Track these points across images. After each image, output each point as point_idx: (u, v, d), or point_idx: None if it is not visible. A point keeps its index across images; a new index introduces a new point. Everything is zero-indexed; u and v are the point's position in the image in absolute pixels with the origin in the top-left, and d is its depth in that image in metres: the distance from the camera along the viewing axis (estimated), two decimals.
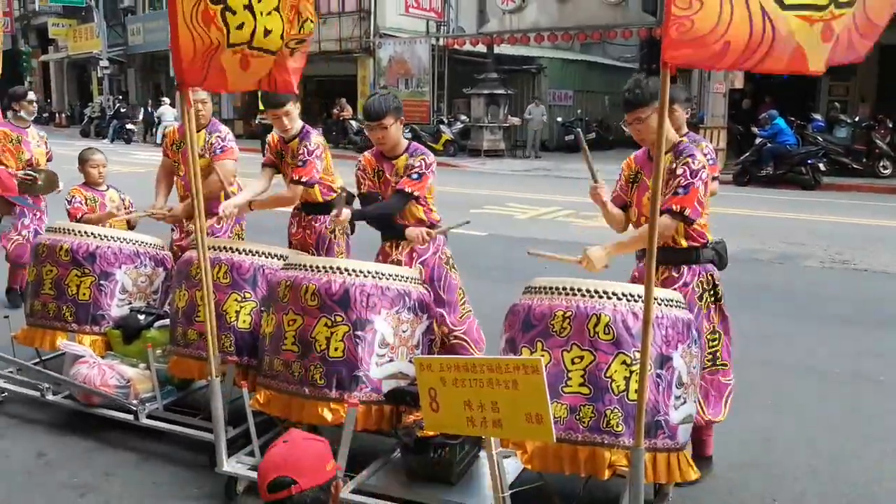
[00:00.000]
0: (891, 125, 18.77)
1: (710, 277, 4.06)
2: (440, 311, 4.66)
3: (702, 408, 4.02)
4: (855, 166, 18.52)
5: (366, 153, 4.84)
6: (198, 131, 5.48)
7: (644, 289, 3.00)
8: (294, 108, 5.23)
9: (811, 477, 4.34)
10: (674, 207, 3.79)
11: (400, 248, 4.73)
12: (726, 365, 4.16)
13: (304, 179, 5.11)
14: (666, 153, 3.85)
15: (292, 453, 2.67)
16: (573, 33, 24.55)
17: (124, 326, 5.14)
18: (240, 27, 3.85)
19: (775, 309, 7.69)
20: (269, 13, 3.88)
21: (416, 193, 4.59)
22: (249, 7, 3.85)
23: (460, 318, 4.81)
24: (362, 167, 4.78)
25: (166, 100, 29.88)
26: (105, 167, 6.32)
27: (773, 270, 9.53)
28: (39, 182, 7.27)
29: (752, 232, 11.62)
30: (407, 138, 4.89)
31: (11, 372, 5.36)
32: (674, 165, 3.88)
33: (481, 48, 25.87)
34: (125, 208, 6.27)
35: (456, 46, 26.85)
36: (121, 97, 35.85)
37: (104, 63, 35.61)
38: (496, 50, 25.60)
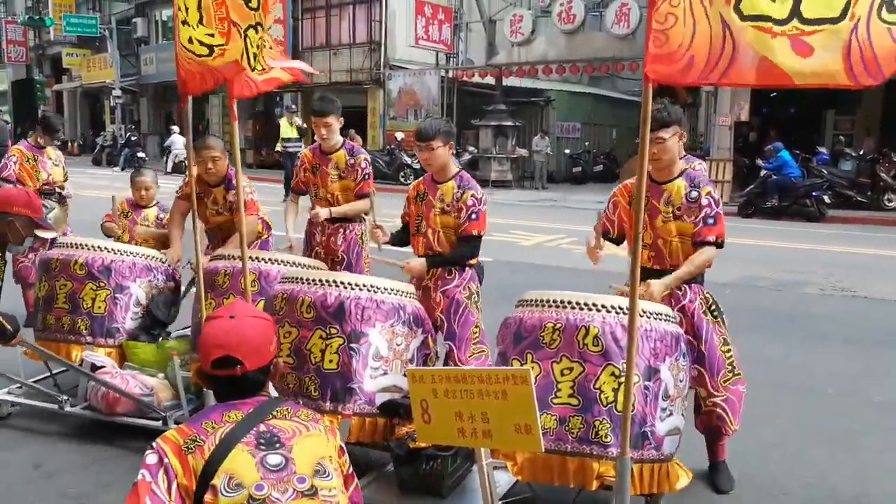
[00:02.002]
0: (895, 158, 18.84)
1: (707, 294, 4.24)
2: (448, 343, 4.71)
3: (730, 420, 4.16)
4: (860, 199, 18.57)
5: (419, 180, 4.95)
6: (214, 186, 5.62)
7: (629, 302, 3.08)
8: (336, 122, 5.66)
9: (804, 492, 4.39)
10: (711, 238, 4.03)
11: (431, 274, 4.76)
12: (740, 374, 4.28)
13: (373, 191, 5.62)
14: (676, 178, 4.14)
15: (238, 331, 2.58)
16: (581, 66, 24.77)
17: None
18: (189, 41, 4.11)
19: (773, 333, 7.74)
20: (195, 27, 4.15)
21: (483, 234, 4.69)
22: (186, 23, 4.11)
23: (469, 356, 4.73)
24: (411, 195, 4.88)
25: (176, 128, 30.14)
26: (151, 189, 6.34)
27: (772, 297, 9.57)
28: (49, 217, 7.29)
29: (755, 261, 11.68)
30: (416, 168, 5.10)
31: (20, 387, 5.41)
32: (694, 193, 4.08)
33: (490, 80, 26.11)
34: (160, 227, 6.25)
35: (465, 78, 27.09)
36: (132, 126, 36.17)
37: (117, 92, 36.02)
38: (505, 82, 25.83)
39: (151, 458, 2.36)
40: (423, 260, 4.66)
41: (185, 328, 5.63)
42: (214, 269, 5.00)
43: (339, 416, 3.92)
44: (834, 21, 2.70)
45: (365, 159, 5.79)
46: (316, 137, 5.75)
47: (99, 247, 5.40)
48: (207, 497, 2.31)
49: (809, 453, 4.92)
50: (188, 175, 5.17)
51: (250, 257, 4.78)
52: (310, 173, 5.84)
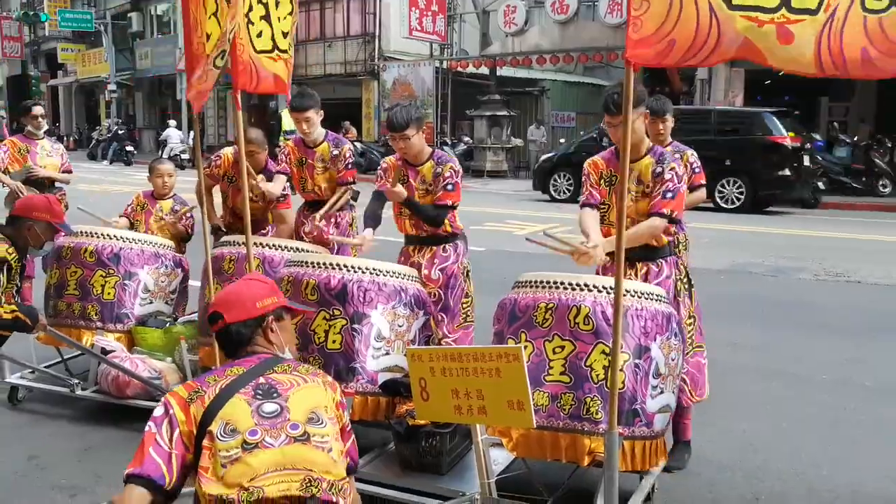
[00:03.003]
0: (889, 145, 18.95)
1: (682, 267, 4.36)
2: (442, 314, 4.84)
3: (690, 391, 4.27)
4: (854, 185, 18.68)
5: (390, 158, 4.99)
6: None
7: (614, 280, 3.18)
8: (315, 115, 5.65)
9: (795, 478, 4.41)
10: (665, 211, 4.03)
11: (422, 251, 4.90)
12: (702, 346, 4.41)
13: (351, 181, 5.78)
14: (643, 157, 4.16)
15: (232, 290, 2.83)
16: (574, 55, 24.82)
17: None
18: (259, 35, 4.40)
19: (766, 319, 7.81)
20: (285, 18, 4.45)
21: (457, 204, 4.80)
22: (266, 17, 4.38)
23: (457, 326, 4.91)
24: (385, 168, 4.91)
25: (172, 122, 30.20)
26: (172, 177, 6.34)
27: (765, 283, 9.65)
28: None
29: (749, 247, 11.78)
30: None
31: (32, 372, 5.54)
32: (659, 169, 4.10)
33: (484, 70, 26.15)
34: (177, 218, 6.20)
35: (459, 69, 27.12)
36: (120, 120, 36.07)
37: (112, 87, 36.05)
38: (499, 72, 25.88)
39: (158, 410, 2.53)
40: (405, 192, 4.71)
41: (193, 314, 5.72)
42: (220, 255, 5.12)
43: (343, 395, 4.01)
44: (812, 12, 2.78)
45: (349, 149, 5.81)
46: (298, 133, 5.79)
47: (108, 235, 5.52)
48: (205, 442, 2.45)
49: (801, 439, 4.95)
50: (215, 157, 5.86)
51: (256, 243, 4.94)
52: (295, 167, 5.83)
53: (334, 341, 4.07)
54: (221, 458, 2.41)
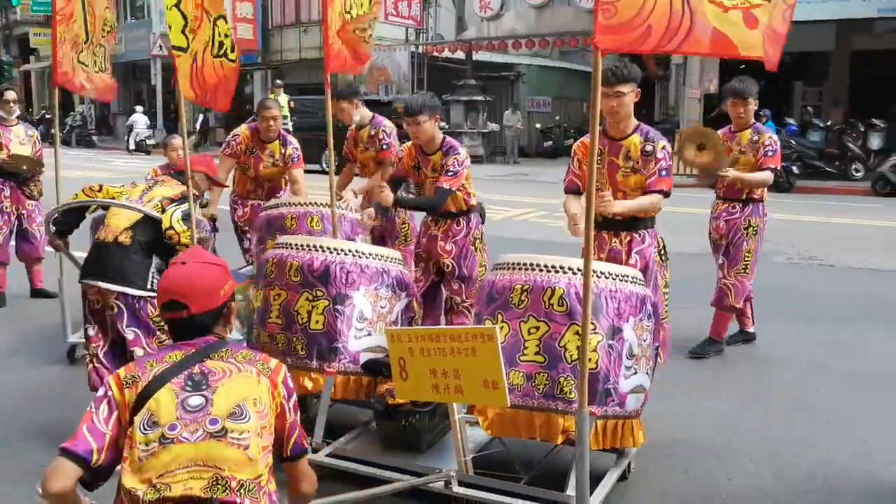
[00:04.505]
0: (862, 129, 19.10)
1: (660, 239, 4.68)
2: (458, 282, 5.36)
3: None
4: (828, 169, 18.82)
5: (407, 144, 5.49)
6: (269, 142, 6.70)
7: (583, 260, 3.28)
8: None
9: (767, 460, 4.49)
10: (664, 188, 4.40)
11: (438, 224, 5.39)
12: (668, 314, 4.74)
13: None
14: (632, 134, 4.49)
15: (186, 277, 2.71)
16: (550, 40, 24.86)
17: None
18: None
19: None
20: (170, 9, 4.52)
21: (454, 189, 5.17)
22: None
23: (474, 292, 5.26)
24: (402, 154, 5.49)
25: (139, 108, 30.23)
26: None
27: None
28: (24, 166, 7.50)
29: None
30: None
31: None
32: (649, 147, 4.43)
33: (460, 55, 26.17)
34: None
35: (435, 53, 27.12)
36: (90, 106, 35.79)
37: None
38: (475, 57, 25.91)
39: (99, 391, 2.56)
40: (392, 196, 5.14)
41: (242, 267, 5.94)
42: (280, 214, 5.68)
43: (325, 374, 4.11)
44: None
45: (295, 149, 6.71)
46: (260, 127, 6.62)
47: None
48: (129, 431, 2.48)
49: (774, 421, 5.02)
50: (232, 136, 6.73)
51: (313, 202, 5.91)
52: (243, 155, 6.70)
53: (317, 322, 4.14)
54: (140, 450, 2.43)
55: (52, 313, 6.63)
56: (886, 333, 6.85)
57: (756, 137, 5.95)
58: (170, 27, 4.56)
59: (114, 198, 4.88)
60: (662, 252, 4.68)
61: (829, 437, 4.82)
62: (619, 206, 4.36)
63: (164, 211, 4.72)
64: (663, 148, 4.44)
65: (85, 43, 5.71)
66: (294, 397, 2.72)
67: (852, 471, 4.37)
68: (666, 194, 4.44)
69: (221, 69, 4.68)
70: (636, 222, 4.58)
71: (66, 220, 5.15)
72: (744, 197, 6.11)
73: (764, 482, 4.23)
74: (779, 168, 5.99)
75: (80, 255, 5.36)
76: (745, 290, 6.17)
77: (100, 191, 4.94)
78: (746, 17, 2.87)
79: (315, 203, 5.93)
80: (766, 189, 6.15)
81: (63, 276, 6.09)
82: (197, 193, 5.19)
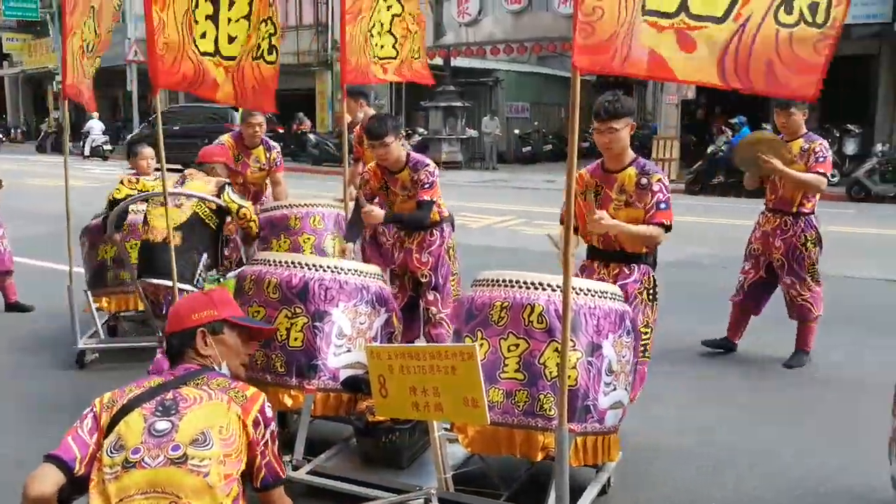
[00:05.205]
0: (837, 134, 19.29)
1: (651, 278, 4.50)
2: (434, 293, 5.41)
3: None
4: None
5: (371, 164, 5.46)
6: (253, 148, 6.97)
7: (563, 280, 3.30)
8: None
9: (749, 462, 4.51)
10: (665, 222, 4.30)
11: (412, 237, 5.43)
12: (649, 358, 4.58)
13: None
14: (627, 167, 4.41)
15: (179, 302, 2.96)
16: (528, 45, 24.95)
17: None
18: (203, 36, 4.37)
19: (715, 309, 7.87)
20: (238, 21, 4.44)
21: (435, 199, 5.27)
22: (213, 17, 4.38)
23: (449, 301, 5.47)
24: (369, 176, 5.39)
25: (95, 114, 30.23)
26: (153, 159, 6.91)
27: (716, 273, 9.77)
28: None
29: (701, 238, 11.93)
30: None
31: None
32: (644, 180, 4.35)
33: (438, 61, 26.14)
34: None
35: None
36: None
37: (60, 78, 35.36)
38: (453, 63, 25.92)
39: (87, 409, 2.63)
40: (382, 212, 5.16)
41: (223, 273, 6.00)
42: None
43: (304, 391, 4.09)
44: (718, 20, 2.83)
45: (278, 152, 7.05)
46: (245, 133, 6.89)
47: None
48: (98, 454, 2.53)
49: (754, 429, 5.04)
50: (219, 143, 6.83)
51: (306, 203, 6.20)
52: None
53: (296, 339, 4.12)
54: (105, 473, 2.46)
55: (59, 319, 6.84)
56: (856, 338, 6.91)
57: (807, 146, 5.98)
58: (234, 38, 4.65)
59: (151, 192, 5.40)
60: (651, 290, 4.50)
61: (804, 442, 4.84)
62: (613, 224, 4.25)
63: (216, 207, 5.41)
64: (659, 181, 4.34)
65: (89, 52, 5.66)
66: (272, 427, 2.71)
67: (839, 478, 4.38)
68: (667, 227, 4.34)
69: (259, 71, 4.77)
70: (629, 256, 4.47)
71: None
72: (794, 210, 6.15)
73: (748, 491, 4.25)
74: (827, 173, 6.00)
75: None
76: (820, 297, 6.27)
77: (137, 183, 5.65)
78: (681, 38, 2.83)
79: (317, 203, 6.23)
80: (816, 201, 6.23)
81: (72, 283, 6.17)
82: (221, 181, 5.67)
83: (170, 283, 4.75)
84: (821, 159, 5.90)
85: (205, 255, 5.44)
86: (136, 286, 5.59)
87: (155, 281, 5.14)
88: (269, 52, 4.76)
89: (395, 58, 5.90)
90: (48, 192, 6.33)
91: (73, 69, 5.68)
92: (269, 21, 4.73)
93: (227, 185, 5.65)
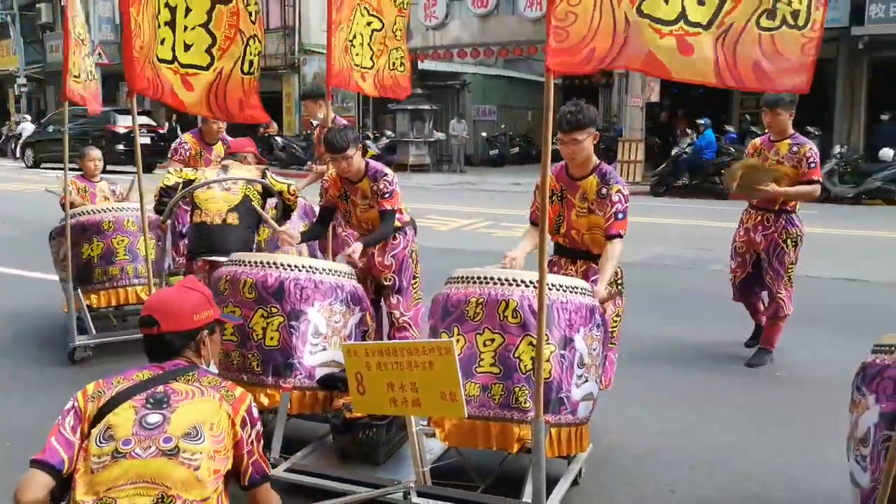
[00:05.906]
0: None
1: (619, 269, 4.64)
2: (397, 297, 5.42)
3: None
4: None
5: (331, 172, 5.38)
6: (214, 144, 7.35)
7: (538, 277, 3.37)
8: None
9: (707, 466, 4.55)
10: (621, 232, 4.41)
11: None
12: (616, 344, 4.74)
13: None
14: (589, 175, 4.53)
15: (170, 297, 2.88)
16: (494, 49, 25.11)
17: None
18: (162, 42, 4.43)
19: (679, 310, 8.02)
20: (193, 28, 4.47)
21: (397, 207, 5.30)
22: (171, 23, 4.43)
23: (410, 305, 5.54)
24: (328, 185, 5.37)
25: (27, 116, 30.06)
26: (101, 161, 7.54)
27: (680, 274, 9.93)
28: None
29: (665, 239, 12.07)
30: None
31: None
32: (604, 190, 4.46)
33: None
34: (117, 198, 7.44)
35: None
36: (27, 117, 35.32)
37: (21, 80, 35.05)
38: (420, 66, 25.99)
39: (68, 403, 2.64)
40: (360, 245, 5.08)
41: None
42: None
43: (281, 390, 4.13)
44: (705, 27, 3.02)
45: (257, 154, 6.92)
46: (207, 130, 7.32)
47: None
48: (85, 444, 2.55)
49: (711, 430, 5.10)
50: (179, 144, 7.33)
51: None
52: (192, 160, 7.23)
53: (272, 338, 4.17)
54: (93, 462, 2.49)
55: (52, 318, 7.10)
56: (827, 338, 6.97)
57: (795, 148, 5.99)
58: (190, 46, 4.68)
59: (193, 181, 5.72)
60: (618, 282, 4.65)
61: (766, 441, 4.91)
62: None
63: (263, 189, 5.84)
64: (619, 191, 4.43)
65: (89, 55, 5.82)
66: (258, 427, 2.76)
67: (813, 477, 4.43)
68: (622, 237, 4.45)
69: (248, 85, 4.91)
70: (596, 256, 4.60)
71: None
72: (776, 208, 6.20)
73: (707, 490, 4.31)
74: (820, 179, 6.05)
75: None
76: (791, 297, 6.28)
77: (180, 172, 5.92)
78: (681, 44, 2.98)
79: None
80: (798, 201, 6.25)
81: (71, 283, 6.28)
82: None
83: (224, 260, 4.84)
84: (812, 165, 5.96)
85: (255, 234, 5.89)
86: (191, 265, 5.89)
87: (213, 258, 5.42)
88: (257, 69, 4.96)
89: (370, 68, 6.02)
90: (7, 197, 6.40)
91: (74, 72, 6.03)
92: (255, 38, 4.84)
93: (267, 170, 6.02)
